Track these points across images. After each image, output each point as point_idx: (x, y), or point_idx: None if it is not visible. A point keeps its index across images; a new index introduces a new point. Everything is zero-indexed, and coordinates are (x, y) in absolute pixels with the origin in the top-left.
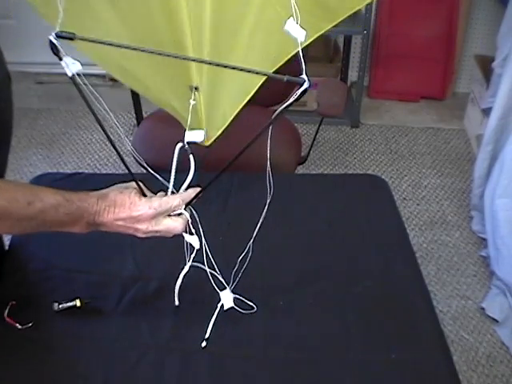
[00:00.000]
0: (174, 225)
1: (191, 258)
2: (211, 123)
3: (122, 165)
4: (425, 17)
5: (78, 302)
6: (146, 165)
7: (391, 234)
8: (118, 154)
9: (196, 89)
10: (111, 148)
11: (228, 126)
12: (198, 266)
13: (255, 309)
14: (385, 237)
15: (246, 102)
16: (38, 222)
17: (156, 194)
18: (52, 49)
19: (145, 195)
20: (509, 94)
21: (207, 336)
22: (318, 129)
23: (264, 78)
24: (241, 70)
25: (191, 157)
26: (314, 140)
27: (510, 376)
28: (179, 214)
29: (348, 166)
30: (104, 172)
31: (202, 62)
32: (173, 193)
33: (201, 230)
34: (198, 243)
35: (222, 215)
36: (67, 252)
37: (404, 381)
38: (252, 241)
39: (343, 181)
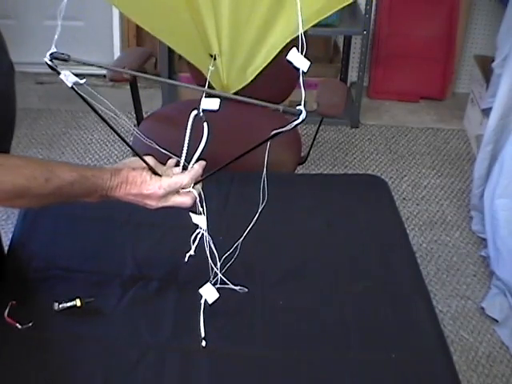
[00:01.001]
0: (183, 200)
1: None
2: (231, 78)
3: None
4: (425, 17)
5: (78, 302)
6: (155, 144)
7: (391, 234)
8: (120, 136)
9: (215, 57)
10: (111, 148)
11: (251, 81)
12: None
13: (246, 290)
14: (385, 237)
15: (264, 65)
16: (54, 197)
17: (165, 163)
18: (49, 66)
19: (155, 173)
20: (508, 94)
21: (203, 335)
22: (318, 129)
23: (281, 46)
24: (240, 101)
25: (205, 124)
26: (313, 140)
27: (510, 376)
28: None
29: (348, 166)
30: None
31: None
32: (184, 167)
33: (205, 208)
34: (205, 224)
35: (222, 214)
36: (67, 252)
37: (404, 381)
38: (242, 239)
39: (343, 181)
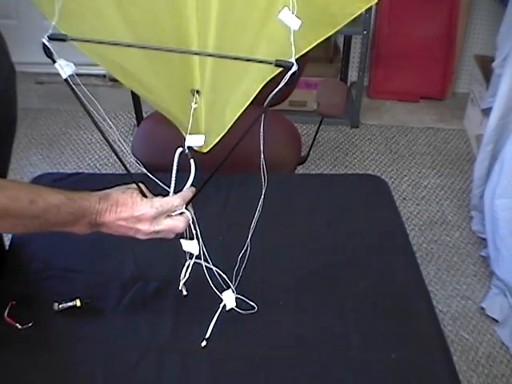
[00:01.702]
0: (176, 223)
1: (193, 258)
2: (210, 129)
3: (121, 165)
4: (425, 17)
5: (78, 302)
6: (144, 169)
7: (391, 234)
8: (117, 155)
9: (198, 92)
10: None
11: (226, 133)
12: (199, 263)
13: (256, 309)
14: (385, 237)
15: (244, 108)
16: (40, 222)
17: (156, 196)
18: (45, 51)
19: (145, 196)
20: (509, 94)
21: (208, 336)
22: (318, 129)
23: (263, 83)
24: (235, 58)
25: (192, 161)
26: (313, 140)
27: (510, 376)
28: (181, 214)
29: (348, 166)
30: (104, 172)
31: (198, 54)
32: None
33: (199, 232)
34: (197, 249)
35: (222, 215)
36: (67, 252)
37: (404, 381)
38: (250, 238)
39: (343, 181)
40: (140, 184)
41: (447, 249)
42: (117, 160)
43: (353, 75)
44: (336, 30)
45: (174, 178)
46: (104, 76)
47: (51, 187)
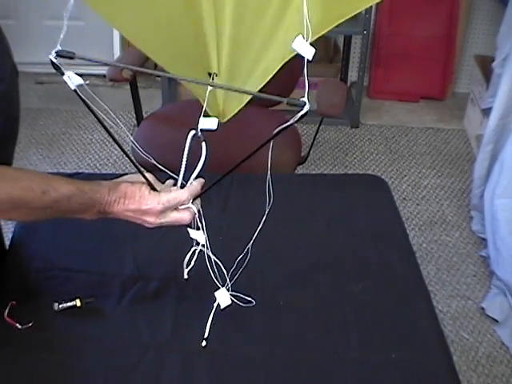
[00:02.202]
0: (182, 216)
1: (199, 246)
2: (228, 104)
3: (121, 165)
4: (425, 17)
5: (78, 302)
6: (153, 160)
7: (391, 234)
8: (123, 151)
9: (215, 75)
10: (111, 148)
11: (244, 106)
12: (203, 260)
13: (254, 303)
14: (385, 237)
15: (263, 84)
16: (51, 211)
17: (164, 182)
18: (53, 65)
19: (154, 189)
20: (509, 94)
21: (206, 335)
22: (318, 129)
23: (283, 62)
24: (244, 92)
25: (203, 144)
26: (313, 140)
27: (510, 376)
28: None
29: (348, 166)
30: (104, 172)
31: (213, 86)
32: (182, 185)
33: (204, 224)
34: (204, 238)
35: (221, 215)
36: (67, 252)
37: (404, 381)
38: (251, 244)
39: (343, 181)
40: (148, 174)
41: (447, 249)
42: (117, 160)
43: (353, 75)
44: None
45: (184, 164)
46: (104, 76)
47: (62, 177)
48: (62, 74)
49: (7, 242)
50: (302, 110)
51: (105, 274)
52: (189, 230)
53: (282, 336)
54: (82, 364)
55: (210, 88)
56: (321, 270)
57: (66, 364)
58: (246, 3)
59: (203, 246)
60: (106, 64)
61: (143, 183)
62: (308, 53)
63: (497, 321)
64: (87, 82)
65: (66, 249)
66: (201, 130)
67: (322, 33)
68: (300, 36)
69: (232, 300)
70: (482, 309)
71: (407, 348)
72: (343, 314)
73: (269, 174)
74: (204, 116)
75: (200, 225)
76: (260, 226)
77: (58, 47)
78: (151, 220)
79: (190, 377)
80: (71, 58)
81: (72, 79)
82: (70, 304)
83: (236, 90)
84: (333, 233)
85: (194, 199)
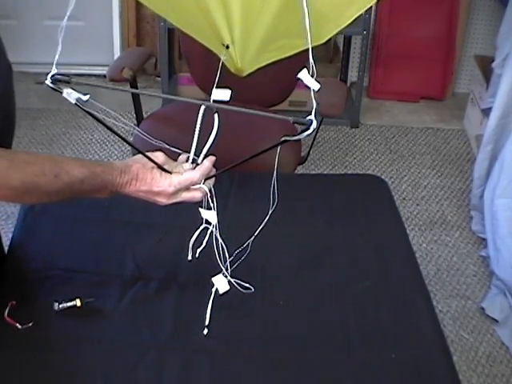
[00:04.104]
0: (193, 195)
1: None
2: (245, 61)
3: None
4: (425, 17)
5: (78, 302)
6: (163, 143)
7: (391, 234)
8: (129, 143)
9: (227, 47)
10: (111, 148)
11: (264, 65)
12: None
13: (252, 289)
14: (385, 237)
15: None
16: (64, 193)
17: (177, 159)
18: (50, 87)
19: (165, 170)
20: (508, 94)
21: (207, 323)
22: (318, 129)
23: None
24: (246, 112)
25: (216, 116)
26: (313, 140)
27: (510, 376)
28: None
29: (348, 166)
30: None
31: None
32: (194, 161)
33: (216, 204)
34: (215, 218)
35: (222, 214)
36: (67, 252)
37: (404, 381)
38: (252, 239)
39: (343, 181)
40: (160, 153)
41: (447, 249)
42: (117, 160)
43: (353, 75)
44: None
45: (196, 138)
46: (104, 76)
47: (74, 159)
48: (61, 92)
49: (7, 242)
50: (308, 128)
51: (105, 274)
52: (200, 209)
53: (281, 336)
54: (82, 364)
55: (223, 58)
56: (321, 269)
57: (66, 364)
58: None
59: (214, 226)
60: (107, 87)
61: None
62: (314, 85)
63: (497, 321)
64: (88, 96)
65: (66, 249)
66: (213, 100)
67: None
68: (305, 69)
69: (230, 285)
70: (482, 309)
71: (407, 348)
72: (343, 313)
73: (275, 175)
74: (217, 87)
75: (212, 205)
76: (262, 226)
77: (54, 70)
78: (163, 201)
79: (190, 377)
80: (67, 82)
81: (71, 95)
82: (69, 304)
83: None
84: (333, 233)
85: (205, 179)
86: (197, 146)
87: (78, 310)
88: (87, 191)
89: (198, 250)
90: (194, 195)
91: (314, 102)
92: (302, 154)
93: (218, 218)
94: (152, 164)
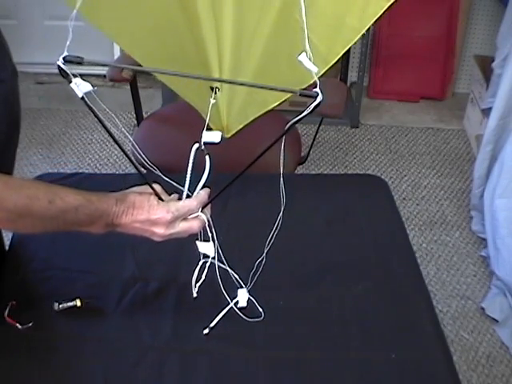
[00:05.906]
0: (191, 225)
1: (209, 258)
2: (231, 117)
3: (122, 165)
4: (425, 17)
5: (78, 302)
6: (158, 171)
7: (391, 234)
8: (130, 160)
9: (217, 90)
10: (111, 148)
11: (249, 123)
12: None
13: (262, 316)
14: (385, 237)
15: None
16: (58, 222)
17: (170, 195)
18: (60, 72)
19: (161, 198)
20: (509, 94)
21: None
22: (318, 129)
23: (288, 95)
24: (251, 86)
25: (207, 157)
26: (313, 140)
27: (510, 376)
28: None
29: (348, 166)
30: (104, 172)
31: (218, 80)
32: (188, 196)
33: (215, 234)
34: (213, 251)
35: (222, 216)
36: (67, 252)
37: (404, 381)
38: (267, 249)
39: (343, 181)
40: (156, 186)
41: (447, 249)
42: (117, 160)
43: (353, 75)
44: (361, 34)
45: (188, 176)
46: (104, 76)
47: (67, 187)
48: (70, 81)
49: (7, 242)
50: (315, 100)
51: (105, 275)
52: (197, 243)
53: (281, 336)
54: (82, 364)
55: (212, 101)
56: (321, 270)
57: (66, 364)
58: (244, 21)
59: (213, 258)
60: (116, 66)
61: (151, 193)
62: (313, 67)
63: (497, 321)
64: (95, 88)
65: (66, 249)
66: (204, 143)
67: (332, 62)
68: (304, 53)
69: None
70: (482, 309)
71: (407, 348)
72: (343, 313)
73: (281, 175)
74: (207, 130)
75: (210, 234)
76: (274, 228)
77: (66, 52)
78: (160, 231)
79: (190, 377)
80: (80, 63)
81: (80, 86)
82: (70, 304)
83: (242, 84)
84: (333, 233)
85: (202, 208)
86: (191, 181)
87: (78, 310)
88: (81, 221)
89: (198, 285)
90: (192, 225)
91: (316, 80)
92: (302, 154)
93: (216, 220)
94: (149, 192)
